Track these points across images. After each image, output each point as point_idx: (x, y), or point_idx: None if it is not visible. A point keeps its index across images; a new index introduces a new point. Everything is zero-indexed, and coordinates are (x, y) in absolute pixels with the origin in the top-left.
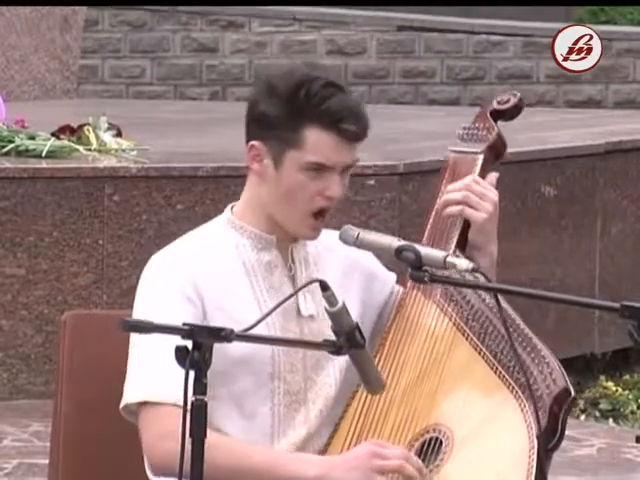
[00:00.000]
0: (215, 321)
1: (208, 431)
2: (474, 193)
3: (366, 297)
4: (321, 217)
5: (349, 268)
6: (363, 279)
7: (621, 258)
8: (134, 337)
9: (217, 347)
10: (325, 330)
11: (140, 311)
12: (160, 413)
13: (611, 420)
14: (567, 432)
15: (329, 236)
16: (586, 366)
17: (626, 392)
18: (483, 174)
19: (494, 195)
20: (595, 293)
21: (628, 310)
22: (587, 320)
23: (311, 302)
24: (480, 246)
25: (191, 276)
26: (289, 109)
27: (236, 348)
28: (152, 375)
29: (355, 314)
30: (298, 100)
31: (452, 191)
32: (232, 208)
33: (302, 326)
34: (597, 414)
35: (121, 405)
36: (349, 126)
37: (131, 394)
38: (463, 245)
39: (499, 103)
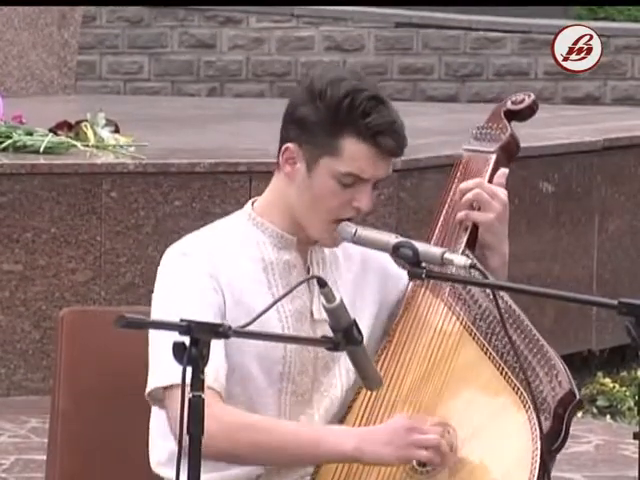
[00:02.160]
0: (232, 313)
1: (257, 416)
2: (486, 191)
3: (381, 297)
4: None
5: (363, 270)
6: (378, 279)
7: (619, 255)
8: None
9: (233, 341)
10: None
11: (162, 301)
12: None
13: (608, 417)
14: None
15: None
16: (584, 363)
17: (623, 389)
18: (494, 173)
19: (504, 195)
20: (593, 290)
21: (626, 307)
22: (585, 317)
23: None
24: (490, 246)
25: (210, 266)
26: (331, 117)
27: (250, 344)
28: None
29: (370, 314)
30: (341, 109)
31: (465, 190)
32: (253, 204)
33: (315, 329)
34: (595, 411)
35: (147, 390)
36: (387, 141)
37: (158, 378)
38: (473, 245)
39: (513, 103)
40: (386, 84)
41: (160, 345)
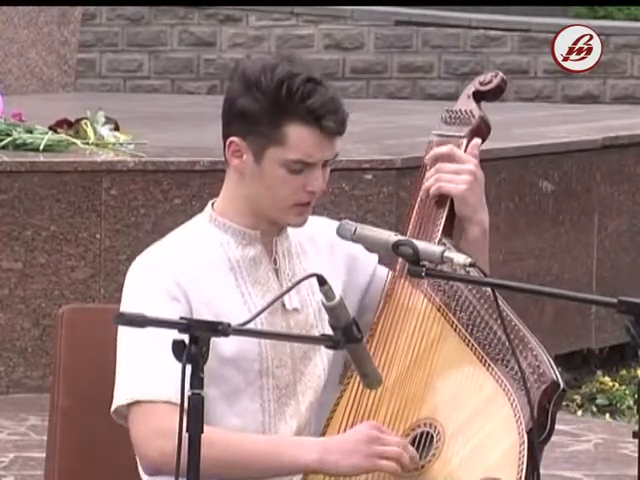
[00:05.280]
0: (201, 317)
1: (218, 429)
2: (446, 173)
3: (348, 280)
4: (306, 205)
5: (330, 254)
6: (344, 263)
7: (618, 253)
8: (120, 340)
9: None
10: (310, 321)
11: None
12: (152, 411)
13: (608, 415)
14: (564, 427)
15: (310, 224)
16: (583, 361)
17: (623, 387)
18: None
19: (471, 165)
20: (592, 288)
21: (625, 305)
22: (584, 315)
23: (294, 295)
24: (468, 217)
25: (173, 274)
26: (271, 106)
27: (226, 347)
28: (142, 374)
29: None
30: (280, 97)
31: (428, 178)
32: (212, 205)
33: (288, 319)
34: (594, 409)
35: (112, 408)
36: (330, 122)
37: (122, 396)
38: (450, 227)
39: (481, 84)
40: (386, 82)
41: (123, 359)
